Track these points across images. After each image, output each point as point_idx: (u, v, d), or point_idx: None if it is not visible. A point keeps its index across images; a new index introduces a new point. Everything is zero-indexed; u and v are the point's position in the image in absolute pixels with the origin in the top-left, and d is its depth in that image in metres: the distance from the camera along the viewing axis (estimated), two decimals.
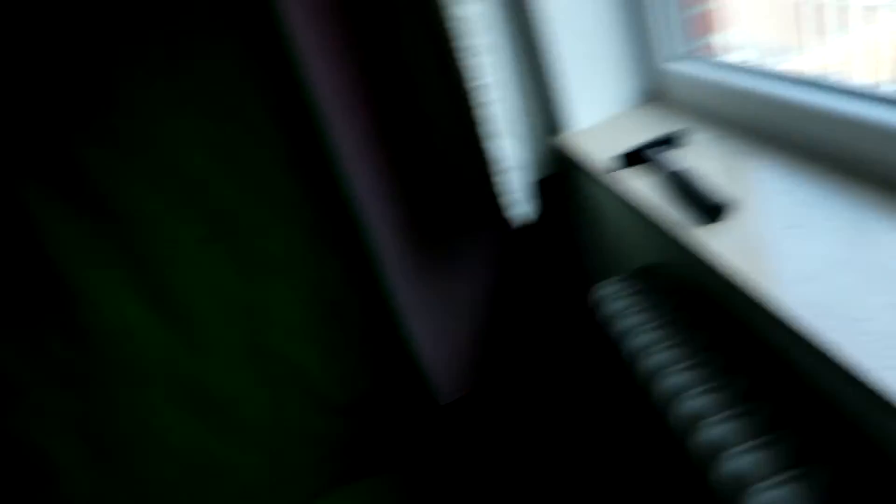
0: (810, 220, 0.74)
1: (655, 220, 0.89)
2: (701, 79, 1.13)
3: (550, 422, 1.65)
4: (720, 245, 0.76)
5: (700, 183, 0.86)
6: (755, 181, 0.88)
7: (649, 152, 1.03)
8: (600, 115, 1.30)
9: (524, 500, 1.49)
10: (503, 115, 1.23)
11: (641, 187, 0.97)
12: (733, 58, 1.20)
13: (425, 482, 1.62)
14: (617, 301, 1.00)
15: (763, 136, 0.98)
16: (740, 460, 0.69)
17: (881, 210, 0.71)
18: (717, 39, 1.25)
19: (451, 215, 1.55)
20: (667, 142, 1.05)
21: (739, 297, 0.70)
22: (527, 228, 1.48)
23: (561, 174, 1.48)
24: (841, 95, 0.85)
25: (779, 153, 0.91)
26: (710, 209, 0.80)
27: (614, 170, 1.06)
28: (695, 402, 0.78)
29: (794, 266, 0.68)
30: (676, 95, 1.23)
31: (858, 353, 0.54)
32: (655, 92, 1.30)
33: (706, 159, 0.98)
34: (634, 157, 1.05)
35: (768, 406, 0.74)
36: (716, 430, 0.74)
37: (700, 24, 1.23)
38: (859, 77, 1.51)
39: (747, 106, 1.01)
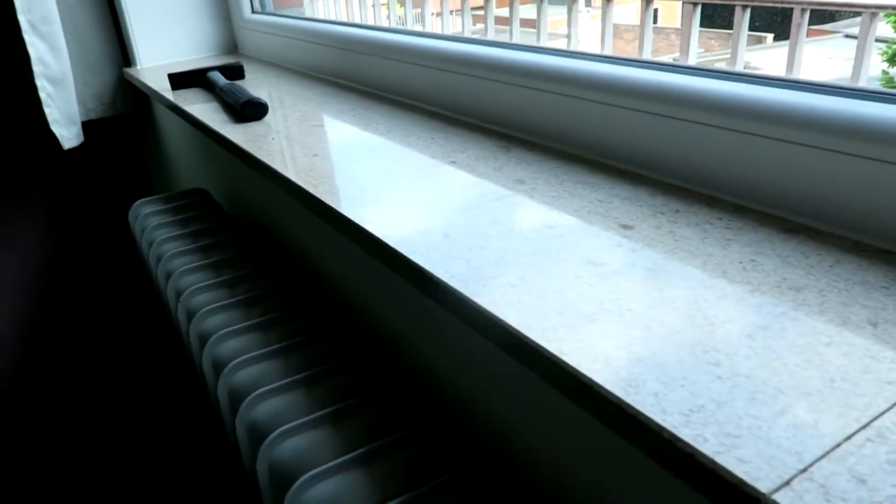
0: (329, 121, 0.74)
1: (201, 126, 0.81)
2: (275, 26, 1.11)
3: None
4: (251, 137, 0.71)
5: (241, 91, 0.82)
6: (306, 100, 0.87)
7: (209, 76, 0.96)
8: (176, 58, 1.28)
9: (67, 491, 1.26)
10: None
11: (196, 103, 0.90)
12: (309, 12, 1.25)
13: None
14: (154, 218, 0.90)
15: (321, 76, 1.00)
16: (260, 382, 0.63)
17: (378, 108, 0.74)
18: None
19: None
20: (227, 72, 1.00)
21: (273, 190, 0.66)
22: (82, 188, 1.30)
23: (140, 109, 1.42)
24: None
25: (338, 88, 0.92)
26: (244, 106, 0.76)
27: (172, 89, 0.98)
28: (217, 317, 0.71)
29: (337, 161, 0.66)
30: (254, 45, 1.22)
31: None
32: (237, 43, 1.32)
33: (263, 86, 0.95)
34: (189, 79, 1.00)
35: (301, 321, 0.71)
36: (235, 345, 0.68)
37: None
38: None
39: (307, 50, 1.01)
